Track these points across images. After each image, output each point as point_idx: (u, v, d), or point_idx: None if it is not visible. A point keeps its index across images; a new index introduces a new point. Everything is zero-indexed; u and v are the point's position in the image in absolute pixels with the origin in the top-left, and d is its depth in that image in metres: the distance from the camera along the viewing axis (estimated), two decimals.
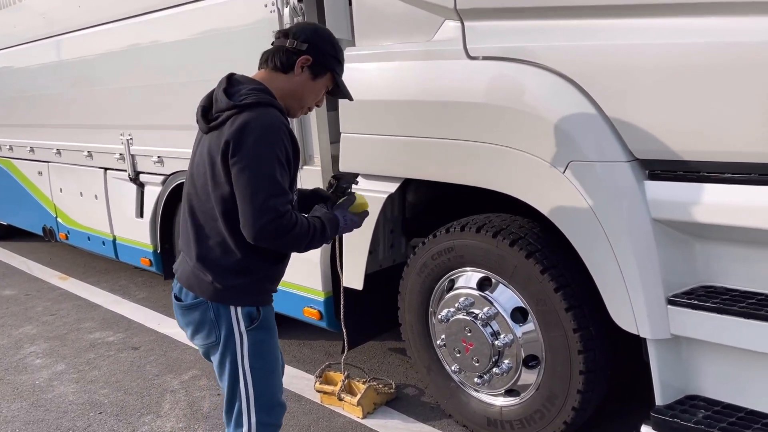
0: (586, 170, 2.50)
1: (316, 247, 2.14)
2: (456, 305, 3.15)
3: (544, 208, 2.71)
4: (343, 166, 3.46)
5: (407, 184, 3.73)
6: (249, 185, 1.96)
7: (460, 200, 3.95)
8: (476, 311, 3.10)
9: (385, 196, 3.35)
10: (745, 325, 2.25)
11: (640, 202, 2.41)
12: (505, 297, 3.04)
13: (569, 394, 2.87)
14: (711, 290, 2.46)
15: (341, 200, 2.39)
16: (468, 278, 3.19)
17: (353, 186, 2.50)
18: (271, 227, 1.96)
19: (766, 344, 2.26)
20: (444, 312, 3.20)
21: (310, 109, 2.27)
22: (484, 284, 3.14)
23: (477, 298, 3.12)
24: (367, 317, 3.88)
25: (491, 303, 3.06)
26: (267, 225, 1.96)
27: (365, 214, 2.42)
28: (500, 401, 3.19)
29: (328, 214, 2.23)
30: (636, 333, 2.51)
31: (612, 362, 2.94)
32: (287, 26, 3.00)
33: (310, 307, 3.90)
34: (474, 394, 3.29)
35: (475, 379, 3.14)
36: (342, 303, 3.71)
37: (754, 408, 2.43)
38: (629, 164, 2.43)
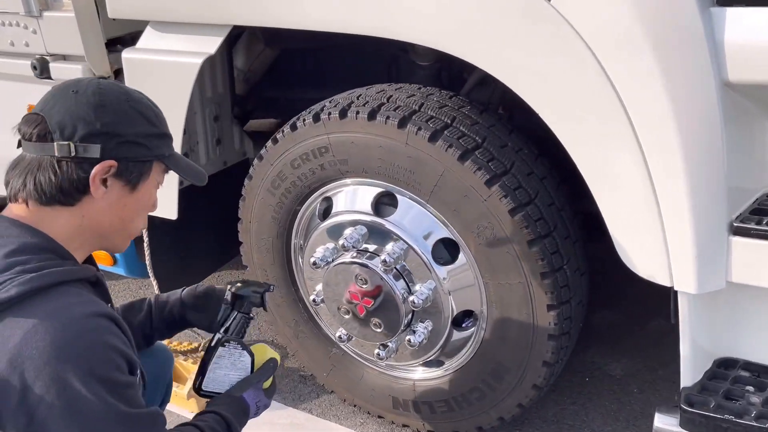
0: None
1: None
2: (341, 241, 1.91)
3: (503, 72, 1.49)
4: (114, 10, 1.96)
5: (232, 41, 2.32)
6: None
7: (320, 66, 2.67)
8: (373, 249, 1.90)
9: (201, 60, 1.93)
10: None
11: (702, 49, 1.27)
12: (422, 224, 1.86)
13: (529, 366, 1.84)
14: None
15: (231, 351, 1.51)
16: (355, 196, 1.95)
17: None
18: None
19: None
20: (319, 252, 1.96)
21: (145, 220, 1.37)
22: (382, 204, 1.92)
23: (373, 226, 1.91)
24: (187, 254, 2.56)
25: (398, 234, 1.87)
26: None
27: (274, 385, 1.57)
28: (413, 374, 2.10)
29: (230, 405, 1.42)
30: (668, 285, 1.48)
31: (586, 309, 1.94)
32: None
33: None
34: (370, 365, 2.17)
35: (377, 351, 2.00)
36: (146, 239, 2.34)
37: None
38: None
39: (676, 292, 1.50)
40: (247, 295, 1.55)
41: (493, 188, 1.68)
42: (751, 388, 1.58)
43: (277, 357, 1.57)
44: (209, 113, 2.45)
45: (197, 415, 1.39)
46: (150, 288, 2.76)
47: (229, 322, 1.53)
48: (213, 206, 2.54)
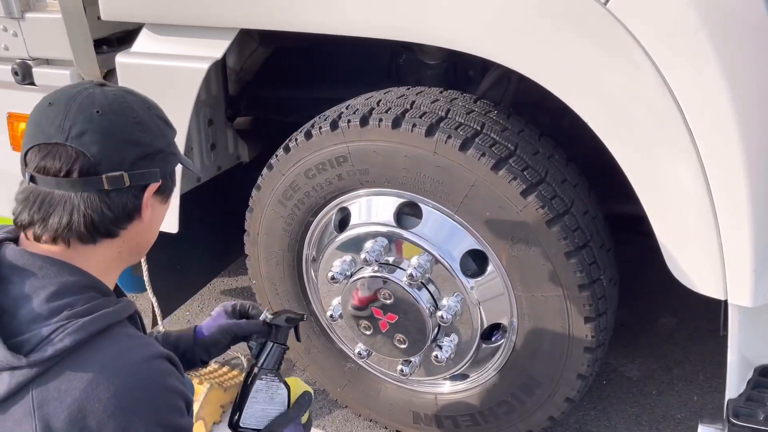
0: None
1: None
2: (362, 254, 1.81)
3: (549, 79, 1.41)
4: (108, 12, 1.81)
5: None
6: None
7: (315, 65, 2.56)
8: (396, 262, 1.81)
9: (207, 65, 1.80)
10: None
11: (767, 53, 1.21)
12: (448, 235, 1.77)
13: (562, 380, 1.78)
14: None
15: (269, 384, 1.42)
16: (375, 206, 1.85)
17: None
18: None
19: None
20: (337, 265, 1.86)
21: None
22: (404, 215, 1.82)
23: (395, 238, 1.81)
24: (184, 265, 2.43)
25: (423, 246, 1.78)
26: None
27: (310, 421, 1.52)
28: (435, 388, 2.02)
29: None
30: (721, 298, 1.42)
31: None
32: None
33: None
34: (389, 379, 2.08)
35: (400, 367, 1.92)
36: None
37: None
38: None
39: (727, 304, 1.45)
40: (282, 325, 1.46)
41: (529, 198, 1.60)
42: None
43: (311, 391, 1.48)
44: (203, 117, 2.31)
45: None
46: (141, 298, 2.62)
47: (265, 354, 1.43)
48: (206, 215, 2.42)
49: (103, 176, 1.05)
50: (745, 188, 1.28)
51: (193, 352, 1.48)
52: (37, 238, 1.08)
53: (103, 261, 1.12)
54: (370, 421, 2.21)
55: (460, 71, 2.27)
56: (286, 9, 1.64)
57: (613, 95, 1.35)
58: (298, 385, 1.49)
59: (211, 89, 2.28)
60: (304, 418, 1.46)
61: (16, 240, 1.13)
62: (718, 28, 1.21)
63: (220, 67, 2.27)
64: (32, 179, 1.07)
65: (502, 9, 1.40)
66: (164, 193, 1.16)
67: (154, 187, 1.12)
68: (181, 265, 2.49)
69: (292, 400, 1.44)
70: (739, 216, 1.31)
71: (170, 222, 2.04)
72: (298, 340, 1.62)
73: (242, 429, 1.42)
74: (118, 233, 1.11)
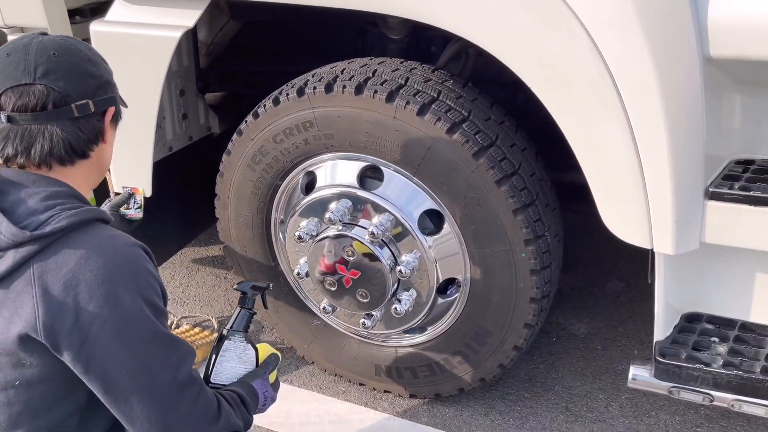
0: None
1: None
2: (327, 214, 1.94)
3: (496, 45, 1.55)
4: None
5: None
6: (134, 376, 1.21)
7: (285, 38, 2.65)
8: (359, 221, 1.94)
9: (179, 34, 1.90)
10: None
11: (688, 26, 1.36)
12: (408, 196, 1.91)
13: (511, 328, 1.93)
14: (756, 168, 1.59)
15: (237, 344, 1.57)
16: (339, 169, 1.97)
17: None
18: (196, 412, 1.27)
19: None
20: (304, 225, 1.98)
21: None
22: (366, 178, 1.95)
23: (358, 199, 1.94)
24: (156, 231, 2.51)
25: (383, 207, 1.91)
26: (190, 413, 1.26)
27: (278, 380, 1.64)
28: (395, 341, 2.17)
29: (242, 386, 1.50)
30: (648, 247, 1.59)
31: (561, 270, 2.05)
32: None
33: None
34: (352, 334, 2.22)
35: (362, 320, 2.05)
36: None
37: None
38: None
39: (653, 254, 1.61)
40: (246, 291, 1.61)
41: (480, 160, 1.75)
42: (716, 339, 1.73)
43: (279, 354, 1.63)
44: (175, 87, 2.39)
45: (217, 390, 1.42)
46: None
47: (233, 318, 1.59)
48: (180, 182, 2.52)
49: (73, 105, 1.24)
50: (666, 147, 1.44)
51: None
52: (22, 167, 1.25)
53: (79, 180, 1.31)
54: (335, 375, 2.34)
55: (422, 46, 2.40)
56: None
57: (555, 64, 1.49)
58: (267, 349, 1.63)
59: (182, 61, 2.36)
60: (271, 377, 1.59)
61: None
62: (643, 2, 1.35)
63: (191, 39, 2.36)
64: (9, 119, 1.22)
65: None
66: (116, 119, 1.36)
67: (111, 111, 1.32)
68: (153, 232, 2.58)
69: (261, 361, 1.57)
70: (662, 172, 1.47)
71: (141, 179, 2.13)
72: (266, 307, 1.77)
73: (212, 384, 1.54)
74: (89, 154, 1.30)
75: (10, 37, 2.12)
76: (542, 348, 2.46)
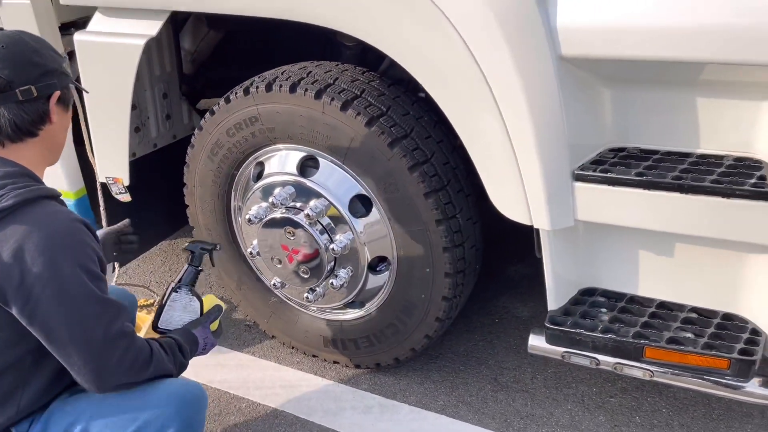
0: None
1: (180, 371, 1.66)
2: (270, 199, 2.21)
3: (392, 50, 1.80)
4: None
5: (179, 25, 2.59)
6: (70, 329, 1.45)
7: (262, 47, 2.93)
8: (299, 205, 2.20)
9: (143, 42, 2.19)
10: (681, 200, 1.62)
11: (540, 30, 1.58)
12: (339, 182, 2.16)
13: (432, 301, 2.16)
14: (625, 154, 1.79)
15: (183, 296, 1.83)
16: (283, 160, 2.24)
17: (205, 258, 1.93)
18: (127, 360, 1.49)
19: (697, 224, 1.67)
20: (254, 210, 2.26)
21: None
22: (306, 167, 2.21)
23: (299, 186, 2.21)
24: (142, 219, 2.81)
25: (319, 192, 2.17)
26: (121, 361, 1.48)
27: (221, 326, 1.90)
28: (339, 315, 2.41)
29: (184, 335, 1.71)
30: (529, 224, 1.80)
31: (482, 253, 2.27)
32: None
33: None
34: (304, 310, 2.48)
35: (306, 295, 2.31)
36: (102, 205, 2.61)
37: (663, 298, 1.91)
38: None
39: (538, 231, 1.82)
40: (195, 250, 1.86)
41: (395, 149, 1.99)
42: (604, 310, 1.92)
43: (223, 305, 1.88)
44: (158, 91, 2.70)
45: (156, 339, 1.66)
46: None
47: (181, 273, 1.84)
48: (164, 177, 2.81)
49: (17, 90, 1.48)
50: (532, 133, 1.66)
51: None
52: None
53: (32, 157, 1.55)
54: (292, 348, 2.60)
55: (373, 53, 2.65)
56: None
57: (437, 63, 1.73)
58: (212, 301, 1.88)
59: (165, 66, 2.67)
60: (213, 326, 1.83)
61: None
62: (500, 8, 1.58)
63: (173, 47, 2.67)
64: None
65: None
66: (65, 102, 1.58)
67: (56, 95, 1.53)
68: (138, 220, 2.88)
69: (205, 311, 1.83)
70: (530, 156, 1.69)
71: (120, 171, 2.44)
72: (213, 265, 2.02)
73: (159, 329, 1.81)
74: (37, 133, 1.54)
75: None
76: (484, 328, 2.67)
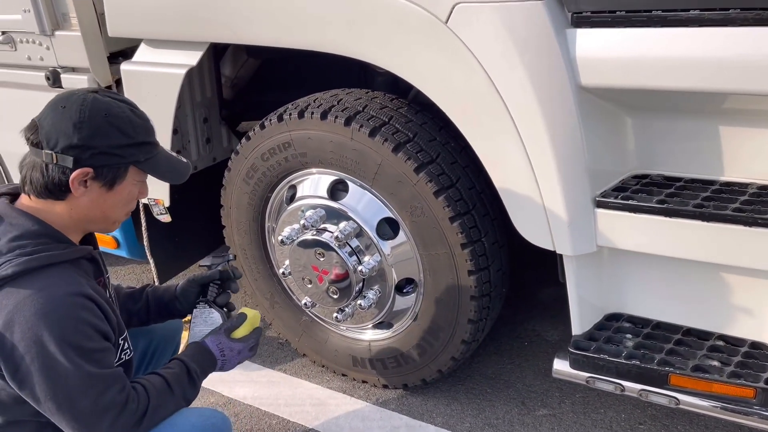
0: (479, 15, 1.65)
1: (190, 398, 1.67)
2: (302, 221, 2.28)
3: (416, 79, 1.86)
4: (112, 29, 2.34)
5: (220, 53, 2.70)
6: (57, 402, 1.45)
7: (300, 72, 3.03)
8: (329, 227, 2.27)
9: (184, 71, 2.30)
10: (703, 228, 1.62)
11: (560, 61, 1.62)
12: (368, 206, 2.22)
13: (457, 324, 2.19)
14: (648, 181, 1.80)
15: (203, 310, 1.91)
16: (315, 183, 2.31)
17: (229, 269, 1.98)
18: (119, 426, 1.48)
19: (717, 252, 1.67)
20: (286, 231, 2.33)
21: (132, 209, 1.65)
22: (337, 190, 2.28)
23: (329, 209, 2.27)
24: (182, 238, 2.93)
25: (349, 215, 2.23)
26: (113, 427, 1.47)
27: (256, 334, 1.89)
28: (368, 335, 2.46)
29: (193, 351, 1.74)
30: (551, 249, 1.83)
31: (509, 277, 2.29)
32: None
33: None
34: (333, 329, 2.54)
35: (335, 315, 2.37)
36: (144, 224, 2.72)
37: (690, 325, 1.90)
38: (544, 3, 1.60)
39: (561, 256, 1.84)
40: (210, 266, 1.94)
41: (420, 174, 2.04)
42: (629, 336, 1.92)
43: (250, 312, 1.89)
44: (199, 116, 2.82)
45: (162, 374, 1.65)
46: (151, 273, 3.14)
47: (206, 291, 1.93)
48: (204, 196, 2.92)
49: (43, 151, 1.45)
50: (553, 160, 1.69)
51: (173, 301, 1.96)
52: (27, 194, 1.53)
53: (61, 217, 1.51)
54: (322, 366, 2.66)
55: (403, 81, 2.71)
56: (239, 28, 2.13)
57: (459, 92, 1.78)
58: (247, 311, 1.90)
59: (205, 92, 2.79)
60: (238, 333, 1.84)
61: (15, 195, 1.59)
62: (521, 41, 1.63)
63: (213, 74, 2.79)
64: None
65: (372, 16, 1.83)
66: (101, 181, 1.49)
67: (81, 172, 1.46)
68: (179, 238, 3.00)
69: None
70: (552, 183, 1.71)
71: (163, 192, 2.55)
72: (234, 276, 2.00)
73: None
74: (63, 197, 1.49)
75: (63, 76, 2.62)
76: (513, 351, 2.68)
